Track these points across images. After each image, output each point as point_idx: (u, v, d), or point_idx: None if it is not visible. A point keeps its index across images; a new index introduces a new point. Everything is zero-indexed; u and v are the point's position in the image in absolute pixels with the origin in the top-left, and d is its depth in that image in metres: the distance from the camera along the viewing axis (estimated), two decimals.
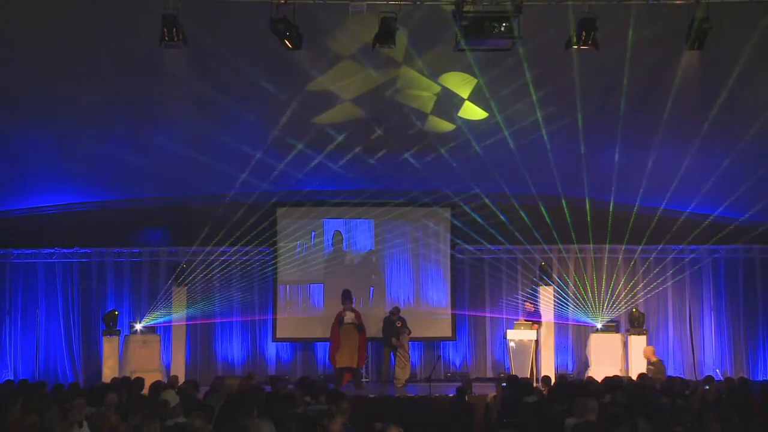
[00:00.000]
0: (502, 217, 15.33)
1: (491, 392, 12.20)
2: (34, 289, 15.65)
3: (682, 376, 14.43)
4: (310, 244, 16.03)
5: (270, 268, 15.81)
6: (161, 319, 15.22)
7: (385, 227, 16.06)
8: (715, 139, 13.01)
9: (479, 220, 15.60)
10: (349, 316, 14.60)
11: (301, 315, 15.99)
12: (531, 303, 15.35)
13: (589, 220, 15.12)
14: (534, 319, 15.07)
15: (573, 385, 10.60)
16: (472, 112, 13.01)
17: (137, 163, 13.83)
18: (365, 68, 11.85)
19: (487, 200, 15.51)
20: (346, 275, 15.76)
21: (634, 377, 12.31)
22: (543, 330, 15.15)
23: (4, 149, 13.12)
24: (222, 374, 14.37)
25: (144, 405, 8.12)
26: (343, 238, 16.06)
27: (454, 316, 15.90)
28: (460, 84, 12.38)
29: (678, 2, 10.18)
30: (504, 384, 11.25)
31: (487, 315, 16.11)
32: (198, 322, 15.60)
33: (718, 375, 14.61)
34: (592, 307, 15.62)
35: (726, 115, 12.24)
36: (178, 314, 15.21)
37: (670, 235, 15.44)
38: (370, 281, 16.00)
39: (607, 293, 15.81)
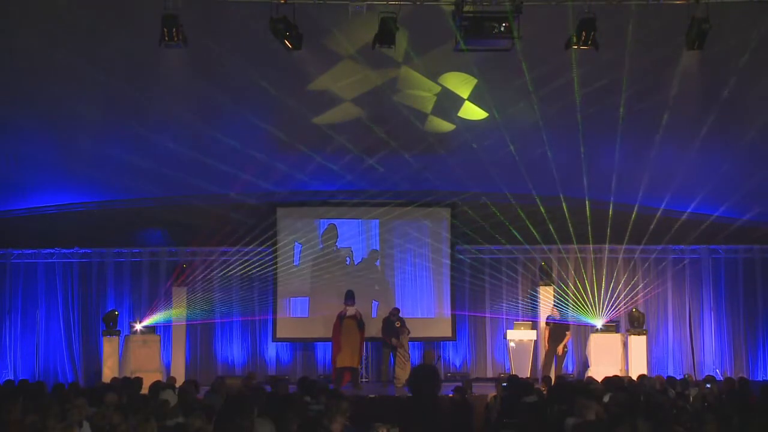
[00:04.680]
0: (501, 218, 15.32)
1: (491, 392, 12.19)
2: (34, 290, 15.64)
3: (682, 376, 14.43)
4: (310, 244, 16.01)
5: (270, 269, 15.80)
6: (161, 319, 15.22)
7: (386, 227, 16.04)
8: (715, 140, 13.01)
9: (479, 220, 15.60)
10: (350, 311, 14.60)
11: (301, 315, 15.99)
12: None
13: (589, 220, 15.12)
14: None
15: (573, 385, 10.59)
16: (472, 112, 13.01)
17: (137, 163, 13.83)
18: (365, 68, 11.85)
19: (486, 200, 15.50)
20: (347, 275, 15.74)
21: (634, 377, 12.31)
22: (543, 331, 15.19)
23: (4, 149, 13.11)
24: (222, 374, 14.37)
25: (144, 405, 8.12)
26: (337, 233, 16.02)
27: (454, 316, 15.88)
28: (460, 84, 12.39)
29: (678, 2, 10.18)
30: (504, 384, 11.25)
31: (487, 315, 16.10)
32: (198, 321, 15.59)
33: (718, 375, 14.60)
34: (592, 307, 15.61)
35: (726, 115, 12.24)
36: (178, 314, 15.21)
37: (670, 235, 15.44)
38: (371, 283, 15.96)
39: (607, 293, 15.80)
